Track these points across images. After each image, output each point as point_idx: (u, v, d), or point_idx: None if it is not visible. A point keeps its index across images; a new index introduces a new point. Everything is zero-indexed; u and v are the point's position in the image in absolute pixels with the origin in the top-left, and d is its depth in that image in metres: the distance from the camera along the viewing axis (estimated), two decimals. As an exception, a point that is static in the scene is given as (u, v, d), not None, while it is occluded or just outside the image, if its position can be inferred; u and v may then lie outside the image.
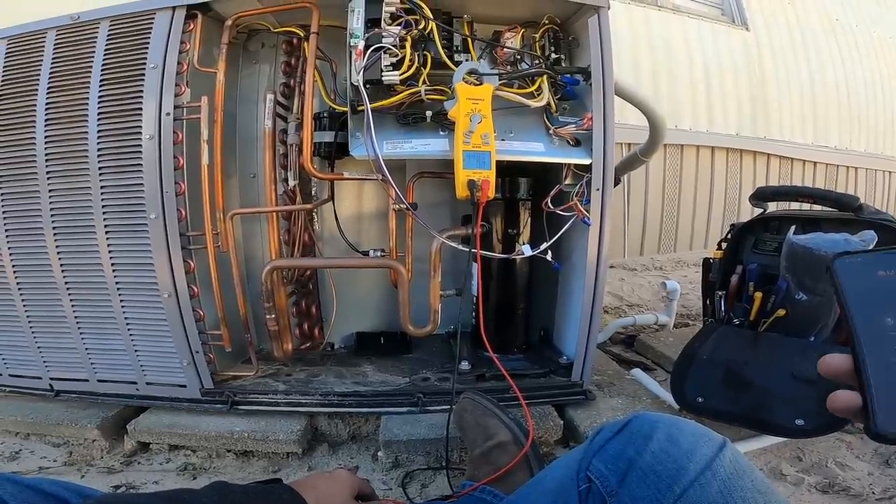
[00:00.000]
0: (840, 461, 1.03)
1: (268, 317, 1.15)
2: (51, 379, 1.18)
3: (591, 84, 1.03)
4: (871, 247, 1.12)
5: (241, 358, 1.25)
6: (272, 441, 1.05)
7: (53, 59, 1.03)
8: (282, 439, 1.05)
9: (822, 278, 1.15)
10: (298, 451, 1.06)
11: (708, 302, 1.45)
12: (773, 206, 1.43)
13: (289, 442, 1.05)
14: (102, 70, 1.01)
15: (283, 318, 1.20)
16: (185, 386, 1.11)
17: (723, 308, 1.34)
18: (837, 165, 4.08)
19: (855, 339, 0.32)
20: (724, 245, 1.42)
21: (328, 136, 1.11)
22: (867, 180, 4.34)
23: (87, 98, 1.01)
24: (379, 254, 1.20)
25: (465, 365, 1.18)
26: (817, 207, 1.37)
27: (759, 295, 1.26)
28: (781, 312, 1.22)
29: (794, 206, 1.63)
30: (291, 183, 1.18)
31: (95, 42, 1.01)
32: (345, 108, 1.04)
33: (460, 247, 1.06)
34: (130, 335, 1.09)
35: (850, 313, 0.33)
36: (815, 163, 3.93)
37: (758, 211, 1.42)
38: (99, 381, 1.15)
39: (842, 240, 1.14)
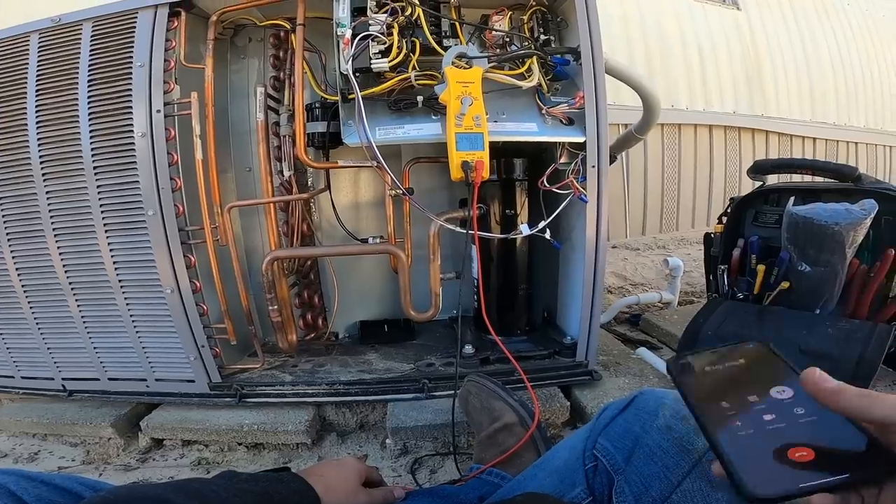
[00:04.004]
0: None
1: (270, 308, 1.15)
2: (63, 379, 1.19)
3: (581, 64, 1.02)
4: (872, 215, 1.11)
5: (248, 351, 1.26)
6: (281, 432, 1.06)
7: (39, 61, 1.03)
8: (291, 430, 1.06)
9: (824, 248, 1.14)
10: (307, 442, 1.07)
11: (711, 277, 1.45)
12: (773, 179, 1.42)
13: (297, 433, 1.06)
14: (90, 70, 1.01)
15: (286, 309, 1.20)
16: (193, 381, 1.13)
17: (726, 283, 1.33)
18: (837, 141, 4.07)
19: (702, 425, 0.37)
20: (724, 219, 1.42)
21: (321, 127, 1.11)
22: (868, 155, 4.33)
23: (77, 99, 1.01)
24: (378, 240, 1.20)
25: (468, 349, 1.18)
26: (817, 179, 1.36)
27: (762, 268, 1.26)
28: (785, 285, 1.21)
29: (796, 179, 1.63)
30: (287, 174, 1.18)
31: (80, 43, 1.01)
32: (335, 98, 1.04)
33: (458, 229, 1.06)
34: (137, 332, 1.10)
35: (693, 404, 0.39)
36: (814, 139, 3.92)
37: (757, 185, 1.42)
38: (110, 379, 1.16)
39: (842, 209, 1.13)
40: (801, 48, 3.90)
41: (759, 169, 1.41)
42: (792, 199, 1.22)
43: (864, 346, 1.01)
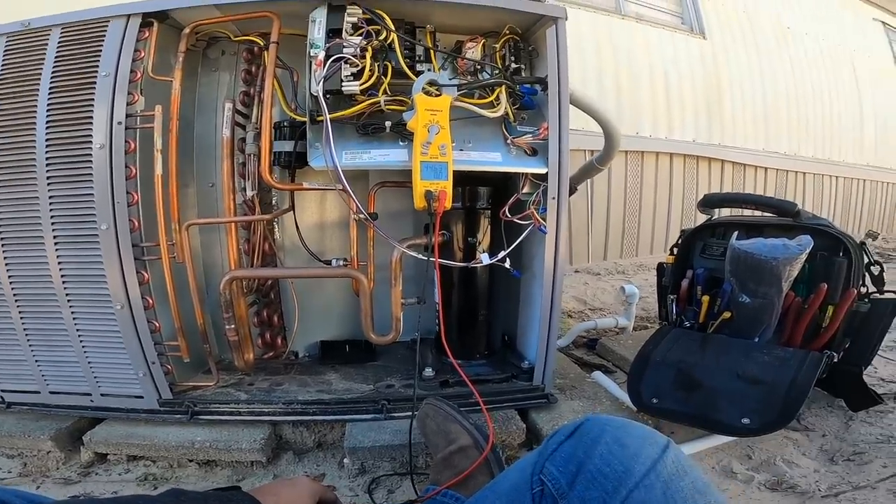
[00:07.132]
0: (787, 459, 1.07)
1: (227, 327, 1.13)
2: (1, 391, 1.14)
3: (548, 94, 1.05)
4: (807, 251, 1.19)
5: (202, 368, 1.23)
6: (235, 450, 1.04)
7: (3, 66, 1.00)
8: (245, 448, 1.04)
9: (763, 281, 1.21)
10: (263, 460, 1.06)
11: (662, 306, 1.50)
12: (726, 212, 1.49)
13: (252, 451, 1.04)
14: (52, 77, 0.98)
15: (244, 327, 1.18)
16: (142, 397, 1.09)
17: (675, 311, 1.39)
18: (787, 171, 4.28)
19: None
20: (675, 250, 1.48)
21: (288, 146, 1.10)
22: (815, 185, 4.56)
23: (36, 106, 0.98)
24: (341, 263, 1.20)
25: (429, 371, 1.19)
26: (758, 214, 1.43)
27: (706, 298, 1.32)
28: (727, 315, 1.27)
29: (748, 212, 1.71)
30: (249, 193, 1.17)
31: (46, 49, 0.99)
32: (304, 118, 1.04)
33: (420, 256, 1.07)
34: (83, 347, 1.07)
35: None
36: (766, 168, 4.11)
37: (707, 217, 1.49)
38: (51, 392, 1.12)
39: (780, 244, 1.20)
40: (759, 77, 4.04)
41: (708, 203, 1.49)
42: (736, 233, 1.29)
43: (797, 371, 1.07)
